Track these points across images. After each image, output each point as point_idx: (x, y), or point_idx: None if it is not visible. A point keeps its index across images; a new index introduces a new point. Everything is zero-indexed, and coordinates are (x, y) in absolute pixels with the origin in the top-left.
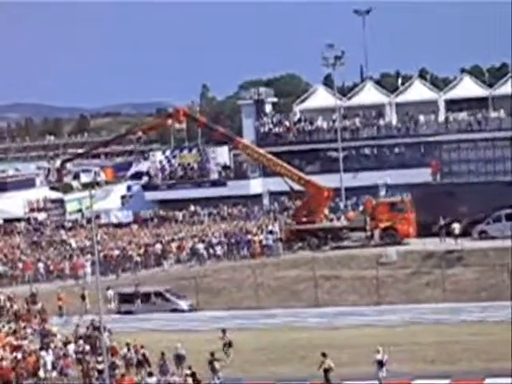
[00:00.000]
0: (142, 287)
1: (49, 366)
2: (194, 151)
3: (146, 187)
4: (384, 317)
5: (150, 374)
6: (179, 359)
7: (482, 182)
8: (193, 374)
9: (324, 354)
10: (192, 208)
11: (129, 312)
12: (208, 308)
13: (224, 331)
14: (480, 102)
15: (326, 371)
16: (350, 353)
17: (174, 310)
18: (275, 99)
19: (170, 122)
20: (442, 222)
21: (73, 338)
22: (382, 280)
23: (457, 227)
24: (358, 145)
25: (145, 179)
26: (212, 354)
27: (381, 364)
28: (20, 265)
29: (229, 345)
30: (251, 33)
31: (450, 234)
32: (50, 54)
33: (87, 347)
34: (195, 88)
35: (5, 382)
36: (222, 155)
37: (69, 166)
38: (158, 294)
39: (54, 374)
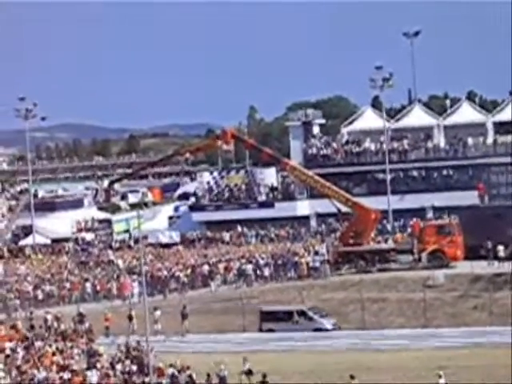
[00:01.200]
0: (284, 305)
1: None
2: (242, 172)
3: (193, 208)
4: (431, 340)
5: None
6: (222, 381)
7: None
8: None
9: (352, 376)
10: (239, 229)
11: (271, 330)
12: (254, 330)
13: (245, 359)
14: None
15: None
16: (396, 376)
17: (317, 330)
18: (323, 121)
19: (218, 143)
20: (489, 245)
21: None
22: (429, 303)
23: (501, 250)
24: (405, 167)
25: (192, 200)
26: (264, 376)
27: None
28: (67, 285)
29: (249, 372)
30: (299, 54)
31: (497, 257)
32: (100, 75)
33: (134, 367)
34: (243, 109)
35: None
36: (269, 176)
37: (116, 186)
38: (301, 313)
39: None
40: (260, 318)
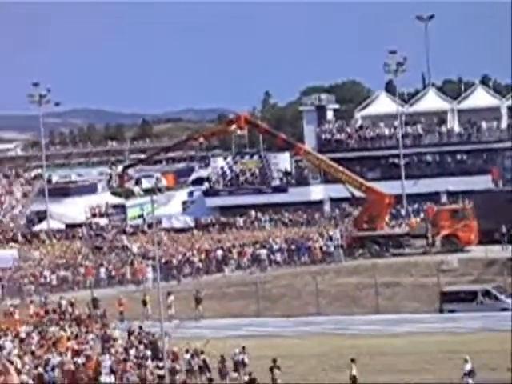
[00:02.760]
0: (465, 285)
1: (108, 370)
2: (256, 157)
3: (207, 193)
4: (445, 324)
5: (211, 380)
6: (238, 365)
7: None
8: (252, 380)
9: (353, 360)
10: (253, 214)
11: (452, 311)
12: (268, 314)
13: (243, 348)
14: None
15: (354, 378)
16: (411, 360)
17: (504, 310)
18: (337, 105)
19: (231, 128)
20: (503, 229)
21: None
22: (443, 287)
23: None
24: (419, 151)
25: (206, 185)
26: (274, 361)
27: (469, 374)
28: (82, 270)
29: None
30: (314, 39)
31: (511, 241)
32: (113, 60)
33: (148, 352)
34: (257, 94)
35: None
36: (283, 161)
37: (130, 171)
38: (486, 293)
39: (113, 378)
40: (440, 299)
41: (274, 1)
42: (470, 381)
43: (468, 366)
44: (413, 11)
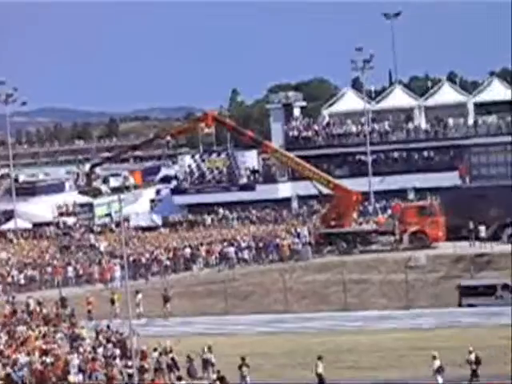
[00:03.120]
0: (486, 279)
1: (76, 370)
2: (223, 155)
3: (174, 191)
4: (413, 321)
5: (179, 379)
6: (206, 364)
7: None
8: (221, 379)
9: (319, 357)
10: (221, 212)
11: (471, 305)
12: (236, 312)
13: (210, 348)
14: (509, 105)
15: (319, 376)
16: (378, 357)
17: None
18: (304, 103)
19: (199, 125)
20: (471, 226)
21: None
22: (411, 284)
23: (482, 230)
24: (386, 148)
25: (174, 183)
26: (242, 359)
27: (439, 371)
28: (49, 269)
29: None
30: (280, 36)
31: (478, 237)
32: (79, 58)
33: (117, 351)
34: (224, 92)
35: None
36: (250, 159)
37: (98, 170)
38: (505, 287)
39: (81, 377)
40: (459, 293)
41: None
42: (440, 378)
43: (437, 363)
44: (379, 9)
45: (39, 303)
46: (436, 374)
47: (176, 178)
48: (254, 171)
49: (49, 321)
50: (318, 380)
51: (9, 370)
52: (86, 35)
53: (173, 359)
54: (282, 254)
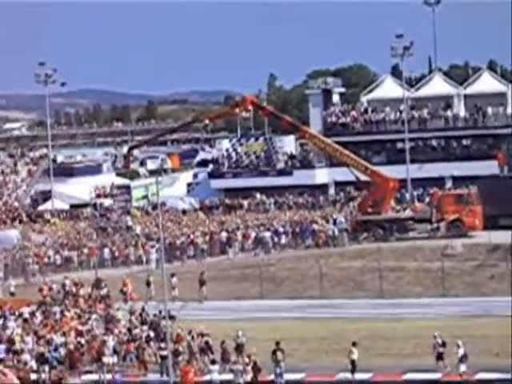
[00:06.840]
0: None
1: (111, 351)
2: (261, 140)
3: (211, 175)
4: (448, 309)
5: (213, 362)
6: (240, 348)
7: None
8: (253, 363)
9: (354, 343)
10: (257, 196)
11: None
12: (271, 297)
13: (241, 332)
14: None
15: (353, 362)
16: (413, 344)
17: None
18: (343, 89)
19: (237, 110)
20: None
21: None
22: (446, 272)
23: None
24: (425, 136)
25: (211, 167)
26: (277, 343)
27: (462, 359)
28: (86, 250)
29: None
30: (320, 22)
31: None
32: (120, 41)
33: (152, 333)
34: (263, 77)
35: (71, 366)
36: (288, 144)
37: (135, 152)
38: None
39: (115, 358)
40: None
41: None
42: (463, 366)
43: (461, 351)
44: None
45: (75, 284)
46: (459, 363)
47: (213, 161)
48: (291, 156)
49: (84, 302)
50: (352, 366)
51: (43, 349)
52: (126, 18)
53: (207, 343)
54: (318, 240)
